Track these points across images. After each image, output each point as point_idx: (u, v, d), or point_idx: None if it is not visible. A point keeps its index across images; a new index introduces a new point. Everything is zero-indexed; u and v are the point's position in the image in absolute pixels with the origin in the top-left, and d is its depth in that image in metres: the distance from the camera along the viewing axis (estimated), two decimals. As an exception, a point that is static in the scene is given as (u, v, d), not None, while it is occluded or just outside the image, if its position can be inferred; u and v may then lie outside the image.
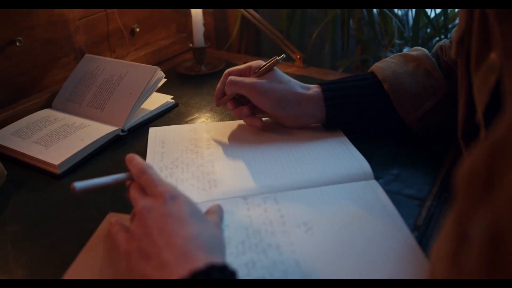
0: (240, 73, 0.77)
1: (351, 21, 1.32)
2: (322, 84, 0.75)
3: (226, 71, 0.78)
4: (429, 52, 0.75)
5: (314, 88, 0.75)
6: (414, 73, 0.72)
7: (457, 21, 1.29)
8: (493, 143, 0.26)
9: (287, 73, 1.07)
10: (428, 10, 1.30)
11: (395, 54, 0.78)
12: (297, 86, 0.74)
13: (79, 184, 0.50)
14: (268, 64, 0.74)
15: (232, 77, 0.74)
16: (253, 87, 0.72)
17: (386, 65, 0.74)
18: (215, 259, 0.43)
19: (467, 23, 0.48)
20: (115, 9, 1.05)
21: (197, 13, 1.06)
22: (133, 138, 0.82)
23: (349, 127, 0.76)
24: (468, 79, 0.50)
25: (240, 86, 0.73)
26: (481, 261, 0.25)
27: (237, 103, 0.77)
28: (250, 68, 0.76)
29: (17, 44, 0.86)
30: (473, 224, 0.26)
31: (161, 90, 0.91)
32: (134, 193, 0.52)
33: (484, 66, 0.44)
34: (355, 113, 0.73)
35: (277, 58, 0.74)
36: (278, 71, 0.75)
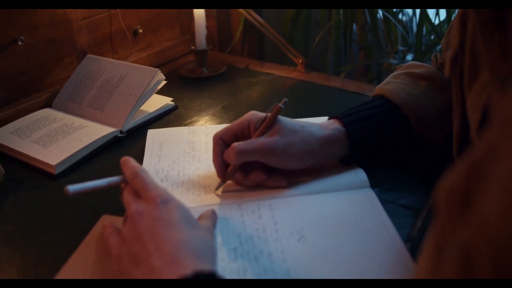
0: (234, 134, 0.64)
1: (354, 26, 1.32)
2: (340, 117, 0.66)
3: (215, 136, 0.63)
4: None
5: (333, 125, 0.65)
6: (429, 92, 0.67)
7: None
8: (472, 162, 0.26)
9: (289, 78, 1.08)
10: (432, 17, 1.30)
11: (396, 73, 0.72)
12: (314, 128, 0.64)
13: (72, 187, 0.51)
14: (271, 115, 0.62)
15: (237, 146, 0.60)
16: (269, 150, 0.60)
17: (396, 87, 0.68)
18: (204, 266, 0.43)
19: (460, 42, 0.48)
20: (118, 10, 1.06)
21: (199, 16, 1.06)
22: (132, 139, 0.82)
23: (370, 159, 0.68)
24: (462, 97, 0.50)
25: (251, 154, 0.60)
26: (455, 277, 0.25)
27: (245, 169, 0.64)
28: (247, 123, 0.63)
29: (19, 43, 0.86)
30: (450, 241, 0.26)
31: (162, 91, 0.91)
32: (127, 197, 0.52)
33: (476, 84, 0.44)
34: (377, 144, 0.67)
35: (279, 104, 0.62)
36: (284, 119, 0.63)
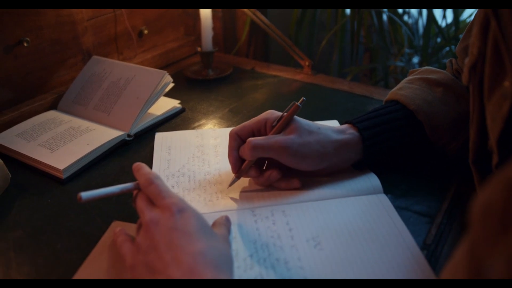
0: (251, 131, 0.64)
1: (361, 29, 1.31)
2: (355, 123, 0.66)
3: (232, 132, 0.64)
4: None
5: (348, 130, 0.65)
6: (445, 99, 0.66)
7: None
8: (509, 179, 0.26)
9: (295, 81, 1.07)
10: (439, 20, 1.29)
11: (411, 78, 0.71)
12: (330, 131, 0.63)
13: (85, 194, 0.49)
14: (288, 114, 0.62)
15: (252, 140, 0.60)
16: (285, 148, 0.60)
17: (411, 92, 0.67)
18: (222, 277, 0.42)
19: (480, 50, 0.47)
20: (123, 11, 1.04)
21: (206, 17, 1.05)
22: (139, 143, 0.81)
23: (382, 165, 0.68)
24: (480, 105, 0.49)
25: (266, 150, 0.60)
26: None
27: (260, 167, 0.65)
28: (265, 122, 0.63)
29: (25, 44, 0.85)
30: (490, 260, 0.26)
31: (168, 93, 0.90)
32: (141, 204, 0.51)
33: (497, 93, 0.44)
34: (391, 150, 0.66)
35: (297, 103, 0.62)
36: (301, 120, 0.63)
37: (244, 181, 0.67)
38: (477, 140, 0.51)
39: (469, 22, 1.29)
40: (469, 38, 0.67)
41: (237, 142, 0.64)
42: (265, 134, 0.64)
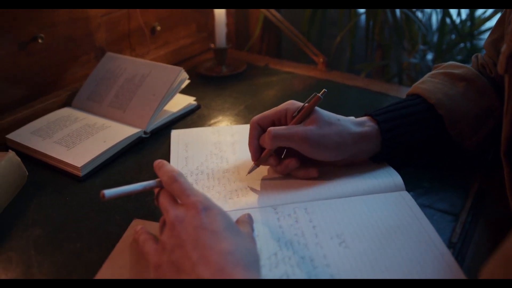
0: (272, 120, 0.65)
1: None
2: (374, 115, 0.66)
3: (253, 121, 0.65)
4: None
5: (367, 123, 0.65)
6: (467, 94, 0.65)
7: (482, 28, 1.27)
8: None
9: (310, 77, 1.06)
10: (454, 15, 1.28)
11: (434, 72, 0.71)
12: (349, 123, 0.64)
13: (108, 192, 0.49)
14: (309, 104, 0.62)
15: (273, 130, 0.61)
16: (305, 138, 0.60)
17: (433, 86, 0.67)
18: (252, 276, 0.41)
19: None
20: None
21: (220, 14, 1.04)
22: (155, 140, 0.80)
23: (400, 159, 0.67)
24: None
25: (286, 139, 0.61)
26: None
27: (279, 156, 0.66)
28: (285, 112, 0.64)
29: (39, 41, 0.84)
30: None
31: (182, 90, 0.89)
32: (164, 202, 0.50)
33: None
34: (410, 143, 0.66)
35: (318, 94, 0.62)
36: (321, 111, 0.63)
37: (263, 170, 0.68)
38: (510, 130, 0.50)
39: (484, 18, 1.29)
40: (499, 30, 0.66)
41: (257, 131, 0.65)
42: (286, 124, 0.64)
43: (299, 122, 0.63)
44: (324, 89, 0.63)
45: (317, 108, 0.63)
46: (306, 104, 0.63)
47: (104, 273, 0.51)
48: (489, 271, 0.31)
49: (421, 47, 1.26)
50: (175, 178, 0.50)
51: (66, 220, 0.61)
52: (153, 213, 0.61)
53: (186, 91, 0.92)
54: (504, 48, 0.49)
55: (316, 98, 0.62)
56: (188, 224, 0.45)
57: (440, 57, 1.23)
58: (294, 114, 0.63)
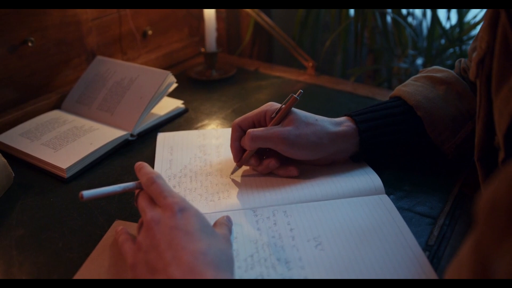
0: (252, 122, 0.66)
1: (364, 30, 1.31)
2: (353, 115, 0.67)
3: (234, 123, 0.67)
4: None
5: (345, 122, 0.66)
6: (446, 97, 0.67)
7: (472, 33, 1.28)
8: None
9: (299, 82, 1.07)
10: (443, 21, 1.29)
11: (417, 76, 0.72)
12: (327, 123, 0.65)
13: (87, 193, 0.50)
14: (286, 106, 0.64)
15: (251, 132, 0.63)
16: (282, 139, 0.62)
17: (414, 89, 0.68)
18: (223, 276, 0.42)
19: (488, 44, 0.47)
20: (127, 11, 1.05)
21: (210, 18, 1.05)
22: (141, 143, 0.81)
23: (379, 159, 0.69)
24: (487, 101, 0.49)
25: (264, 140, 0.63)
26: None
27: (260, 156, 0.67)
28: (264, 113, 0.65)
29: (30, 44, 0.86)
30: (496, 258, 0.25)
31: (171, 94, 0.90)
32: (142, 203, 0.51)
33: (505, 88, 0.43)
34: (388, 144, 0.67)
35: (294, 95, 0.64)
36: (299, 111, 0.65)
37: (247, 171, 0.70)
38: (483, 136, 0.51)
39: (473, 23, 1.30)
40: None
41: (238, 133, 0.66)
42: (265, 125, 0.66)
43: (278, 123, 0.64)
44: (300, 90, 0.65)
45: (294, 109, 0.65)
46: (283, 106, 0.64)
47: (83, 272, 0.52)
48: (449, 273, 0.32)
49: (411, 52, 1.27)
50: (154, 180, 0.51)
51: (50, 220, 0.62)
52: (135, 215, 0.62)
53: (175, 95, 0.93)
54: (475, 54, 0.50)
55: (292, 99, 0.64)
56: (163, 225, 0.46)
57: (429, 62, 1.24)
58: (273, 116, 0.65)
